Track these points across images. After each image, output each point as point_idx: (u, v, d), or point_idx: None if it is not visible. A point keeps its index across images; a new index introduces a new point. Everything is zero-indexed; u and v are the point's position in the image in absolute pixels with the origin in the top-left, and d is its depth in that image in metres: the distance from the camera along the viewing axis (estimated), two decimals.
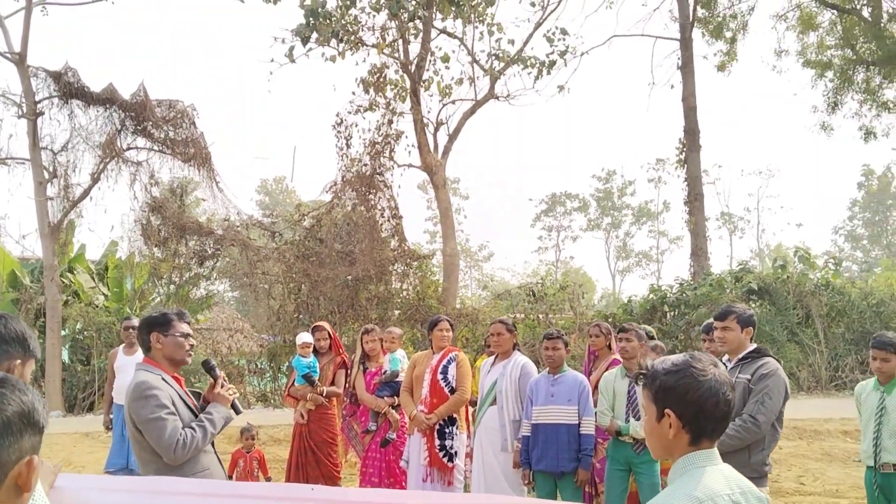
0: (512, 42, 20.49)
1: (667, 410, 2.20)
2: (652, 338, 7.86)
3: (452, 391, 6.99)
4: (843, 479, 9.97)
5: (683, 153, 21.93)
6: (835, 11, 23.80)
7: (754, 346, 5.22)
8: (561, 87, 20.98)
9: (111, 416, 9.10)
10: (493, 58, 20.35)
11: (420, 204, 65.41)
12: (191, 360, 4.27)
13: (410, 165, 20.20)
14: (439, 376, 7.02)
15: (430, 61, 20.06)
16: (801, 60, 25.37)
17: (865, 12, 23.04)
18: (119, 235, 21.19)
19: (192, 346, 4.24)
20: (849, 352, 17.92)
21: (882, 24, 22.24)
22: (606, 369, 7.22)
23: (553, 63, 20.04)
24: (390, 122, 19.54)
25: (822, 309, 18.30)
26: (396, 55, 20.14)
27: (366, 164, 19.74)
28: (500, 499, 4.49)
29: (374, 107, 20.02)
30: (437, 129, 20.38)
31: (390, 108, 19.60)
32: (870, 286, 20.18)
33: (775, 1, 34.67)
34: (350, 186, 19.50)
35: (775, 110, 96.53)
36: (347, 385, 8.13)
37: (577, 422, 6.37)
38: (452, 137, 20.50)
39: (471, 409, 7.66)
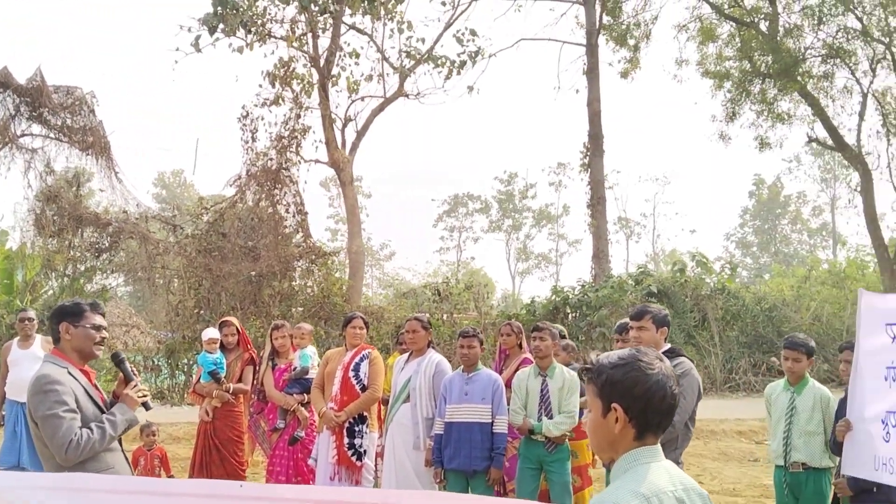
0: (422, 41, 20.51)
1: (614, 405, 2.18)
2: (564, 337, 7.92)
3: (364, 389, 6.89)
4: (739, 477, 10.29)
5: (587, 157, 22.32)
6: (734, 24, 24.60)
7: (668, 345, 5.30)
8: (470, 88, 21.11)
9: (3, 413, 8.66)
10: (404, 55, 20.30)
11: (322, 202, 64.83)
12: (101, 353, 4.07)
13: (317, 161, 19.95)
14: (351, 373, 6.90)
15: (339, 57, 19.84)
16: (700, 71, 26.15)
17: (763, 26, 23.89)
18: (10, 225, 20.26)
19: (103, 338, 4.04)
20: (742, 354, 18.55)
21: (778, 38, 23.09)
22: (517, 368, 7.25)
23: (463, 63, 20.12)
24: (298, 116, 19.24)
25: (718, 312, 18.89)
26: (305, 49, 19.85)
27: (272, 159, 19.39)
28: (439, 496, 4.40)
29: (280, 101, 19.68)
30: (345, 126, 20.20)
31: (298, 102, 19.29)
32: (763, 291, 20.96)
33: (678, 12, 35.57)
34: (255, 180, 19.13)
35: (675, 118, 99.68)
36: (255, 382, 7.93)
37: (490, 420, 6.36)
38: (360, 134, 20.35)
39: (383, 408, 7.58)
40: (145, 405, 4.06)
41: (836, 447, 5.31)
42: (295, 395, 7.58)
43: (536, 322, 6.95)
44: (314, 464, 7.02)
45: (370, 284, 65.53)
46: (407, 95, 20.23)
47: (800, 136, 26.21)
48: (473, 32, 20.67)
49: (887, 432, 4.70)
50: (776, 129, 24.45)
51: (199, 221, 19.41)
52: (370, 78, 20.38)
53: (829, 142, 24.08)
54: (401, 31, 20.41)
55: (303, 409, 7.54)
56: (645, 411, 2.17)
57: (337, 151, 19.71)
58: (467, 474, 6.32)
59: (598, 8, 23.58)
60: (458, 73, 20.08)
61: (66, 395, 3.71)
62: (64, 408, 3.67)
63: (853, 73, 23.45)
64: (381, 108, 20.42)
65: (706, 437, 13.22)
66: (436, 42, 20.53)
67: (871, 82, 23.09)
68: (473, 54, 20.29)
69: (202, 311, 17.81)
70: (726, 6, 24.62)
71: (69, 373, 3.84)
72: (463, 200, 75.26)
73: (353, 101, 20.31)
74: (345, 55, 20.13)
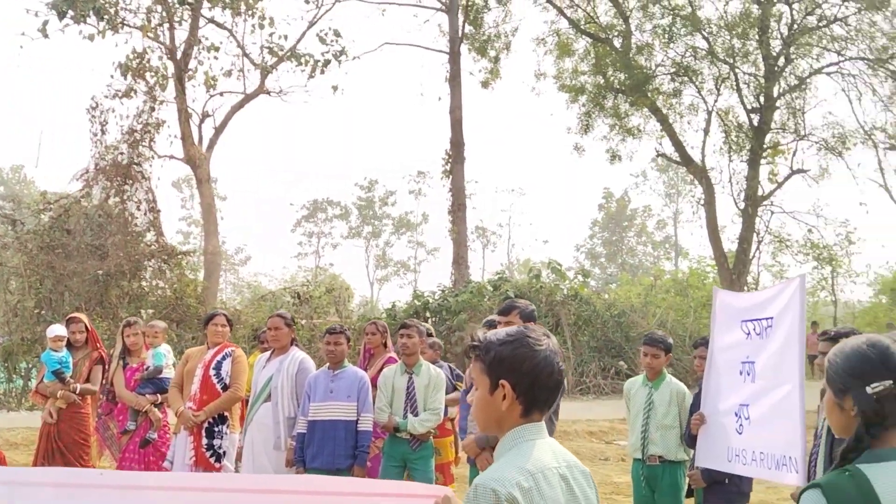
0: (285, 38, 20.12)
1: (501, 381, 2.15)
2: (430, 335, 7.92)
3: (226, 388, 6.64)
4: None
5: (449, 164, 22.51)
6: (589, 40, 25.41)
7: None
8: (335, 88, 20.87)
9: None
10: (266, 52, 19.86)
11: (174, 203, 62.72)
12: None
13: (172, 157, 19.22)
14: (212, 372, 6.65)
15: (197, 50, 19.20)
16: (557, 84, 26.87)
17: (617, 43, 24.79)
18: None
19: None
20: (592, 358, 19.13)
21: (631, 55, 24.02)
22: (382, 367, 7.19)
23: (328, 62, 19.88)
24: (152, 109, 18.48)
25: (571, 318, 19.42)
26: (161, 40, 19.11)
27: (122, 153, 18.53)
28: (319, 479, 4.23)
29: (133, 93, 18.86)
30: (202, 121, 19.55)
31: (152, 95, 18.53)
32: (612, 298, 21.71)
33: (537, 25, 36.50)
34: (104, 175, 18.21)
35: (533, 130, 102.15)
36: (105, 382, 7.51)
37: (355, 418, 6.26)
38: (218, 131, 19.76)
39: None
40: None
41: (690, 440, 5.50)
42: (147, 395, 7.24)
43: (404, 320, 6.89)
44: (170, 466, 6.71)
45: (223, 290, 63.87)
46: (269, 93, 19.81)
47: (649, 150, 27.73)
48: (337, 33, 20.48)
49: (740, 424, 4.90)
50: (627, 142, 25.42)
51: (41, 217, 18.30)
52: (230, 73, 19.85)
53: (676, 157, 25.23)
54: (262, 27, 19.97)
55: (155, 409, 7.21)
56: (532, 388, 2.16)
57: (193, 148, 19.04)
58: (330, 473, 6.18)
59: (461, 17, 23.84)
60: (322, 71, 19.83)
61: None
62: None
63: (699, 92, 24.64)
64: (240, 105, 19.89)
65: (559, 437, 13.25)
66: (299, 40, 20.23)
67: (716, 101, 24.33)
68: (338, 53, 20.10)
69: (43, 312, 16.78)
70: (583, 22, 25.39)
71: None
72: (322, 206, 74.65)
73: (211, 97, 19.72)
74: (203, 49, 19.50)
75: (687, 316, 21.09)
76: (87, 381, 7.46)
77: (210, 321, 6.91)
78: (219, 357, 6.71)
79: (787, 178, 24.10)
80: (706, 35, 23.42)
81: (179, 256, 18.64)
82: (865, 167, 50.24)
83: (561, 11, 25.37)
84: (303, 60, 19.73)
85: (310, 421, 6.28)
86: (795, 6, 23.34)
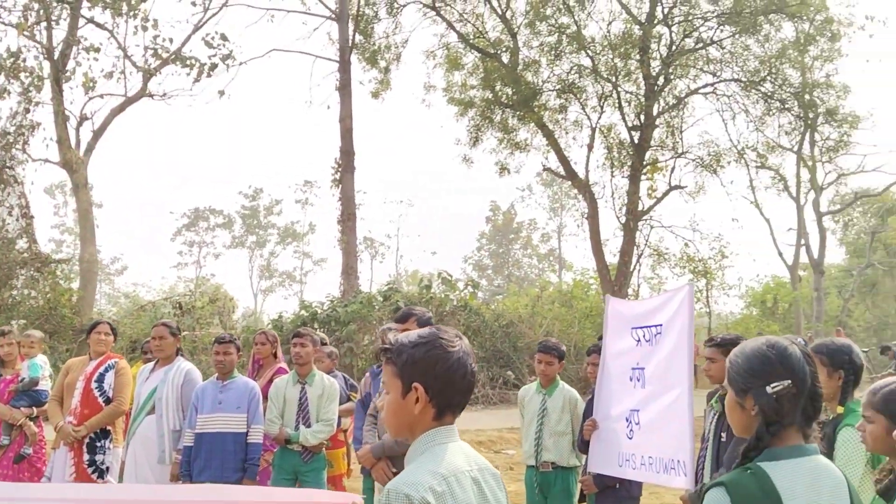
0: (170, 41, 19.56)
1: (414, 384, 2.12)
2: (325, 344, 7.82)
3: (108, 401, 6.37)
4: None
5: (339, 173, 22.35)
6: (478, 54, 25.74)
7: None
8: (221, 93, 20.36)
9: None
10: (150, 54, 19.25)
11: (46, 210, 60.11)
12: None
13: (47, 161, 18.36)
14: (94, 384, 6.37)
15: (76, 51, 18.44)
16: (446, 97, 27.11)
17: (505, 58, 25.19)
18: None
19: None
20: (482, 368, 19.29)
21: (518, 71, 24.45)
22: (272, 378, 7.06)
23: (215, 66, 19.43)
24: (27, 111, 17.63)
25: (460, 328, 19.54)
26: (38, 39, 18.27)
27: None
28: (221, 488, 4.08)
29: (5, 94, 17.95)
30: (80, 124, 18.76)
31: (27, 96, 17.68)
32: (500, 309, 21.99)
33: (428, 38, 36.76)
34: None
35: (423, 142, 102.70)
36: None
37: (245, 430, 6.10)
38: (97, 135, 18.99)
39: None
40: None
41: (583, 445, 5.60)
42: (23, 408, 6.87)
43: (297, 329, 6.77)
44: (48, 482, 6.37)
45: (98, 301, 61.46)
46: (152, 96, 19.17)
47: (536, 164, 28.30)
48: (224, 37, 20.06)
49: (630, 430, 5.02)
50: (515, 156, 25.86)
51: None
52: (111, 75, 19.15)
53: (562, 171, 25.80)
54: (145, 28, 19.34)
55: (31, 423, 6.85)
56: (445, 390, 2.14)
57: (70, 151, 18.23)
58: None
59: (351, 26, 23.76)
60: (209, 75, 19.35)
61: None
62: None
63: (584, 109, 25.34)
64: (121, 109, 19.20)
65: None
66: (184, 43, 19.68)
67: (599, 118, 25.04)
68: (225, 57, 19.66)
69: None
70: (472, 36, 25.70)
71: None
72: (204, 214, 72.85)
73: (90, 99, 18.94)
74: (81, 49, 18.74)
75: (572, 326, 21.57)
76: None
77: (93, 330, 6.64)
78: (101, 369, 6.44)
79: (665, 194, 25.00)
80: (590, 54, 24.07)
81: (53, 265, 17.81)
82: (738, 184, 52.94)
83: (451, 25, 25.63)
84: (188, 64, 19.20)
85: (197, 433, 6.07)
86: (674, 28, 24.26)
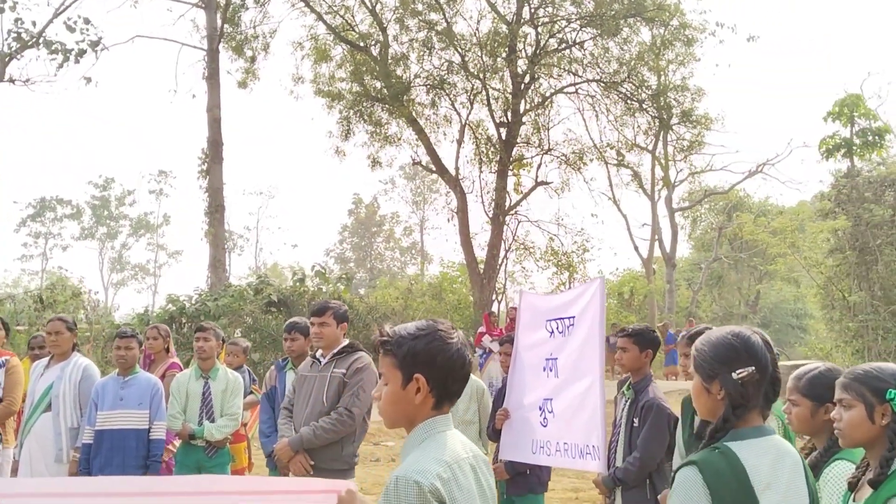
0: (34, 23, 18.53)
1: (416, 375, 2.20)
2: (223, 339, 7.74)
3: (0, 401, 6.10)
4: (364, 477, 10.73)
5: (206, 164, 21.81)
6: (347, 46, 25.62)
7: (347, 340, 5.41)
8: (88, 79, 19.47)
9: None
10: (13, 37, 18.16)
11: None
12: None
13: None
14: None
15: None
16: (314, 89, 26.85)
17: (374, 52, 25.19)
18: None
19: None
20: None
21: (389, 65, 24.51)
22: (164, 373, 6.96)
23: (83, 52, 18.54)
24: None
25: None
26: None
27: None
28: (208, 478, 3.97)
29: None
30: None
31: None
32: (373, 301, 22.05)
33: (297, 29, 36.06)
34: None
35: (288, 133, 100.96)
36: None
37: (147, 426, 5.98)
38: None
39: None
40: None
41: (494, 434, 5.79)
42: None
43: (200, 323, 6.67)
44: None
45: None
46: (13, 81, 18.11)
47: (406, 157, 28.45)
48: (87, 21, 19.18)
49: (544, 418, 5.24)
50: (386, 149, 25.95)
51: None
52: None
53: (431, 166, 26.08)
54: (1, 10, 18.26)
55: None
56: (445, 380, 2.23)
57: None
58: None
59: (219, 15, 23.18)
60: (77, 61, 18.45)
61: None
62: None
63: (453, 104, 25.71)
64: None
65: None
66: (46, 27, 18.68)
67: (469, 114, 25.45)
68: (94, 43, 18.80)
69: None
70: (341, 29, 25.55)
71: None
72: (51, 204, 69.34)
73: None
74: None
75: (445, 317, 21.86)
76: None
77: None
78: None
79: (531, 190, 25.70)
80: (460, 51, 24.43)
81: None
82: (599, 181, 54.94)
83: (320, 17, 25.40)
84: (54, 49, 18.26)
85: (97, 430, 5.91)
86: (540, 28, 24.94)
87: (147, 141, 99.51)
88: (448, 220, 25.27)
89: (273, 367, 6.53)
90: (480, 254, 25.56)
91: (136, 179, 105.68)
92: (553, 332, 5.32)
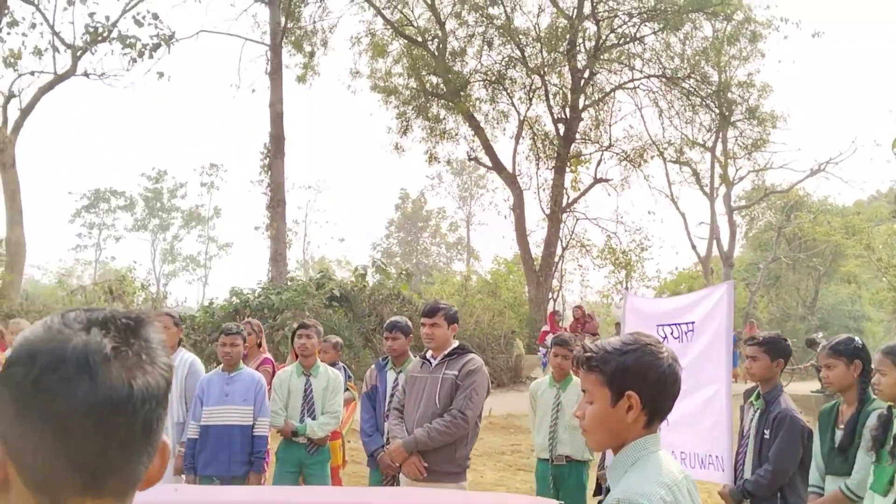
0: (108, 18, 18.75)
1: (628, 392, 2.10)
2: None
3: None
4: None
5: (268, 158, 21.96)
6: (405, 41, 25.59)
7: (457, 342, 5.37)
8: (161, 74, 19.68)
9: None
10: (88, 31, 18.40)
11: None
12: None
13: None
14: None
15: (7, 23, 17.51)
16: (370, 84, 26.90)
17: (433, 47, 25.14)
18: None
19: None
20: (416, 356, 19.28)
21: (447, 61, 24.44)
22: (257, 368, 6.98)
23: (157, 46, 18.75)
24: None
25: (393, 316, 19.47)
26: None
27: None
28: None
29: None
30: (7, 102, 17.85)
31: None
32: (432, 297, 22.03)
33: (356, 25, 35.95)
34: None
35: (335, 128, 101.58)
36: None
37: (251, 423, 6.00)
38: (25, 113, 18.11)
39: None
40: None
41: None
42: None
43: (302, 320, 6.68)
44: None
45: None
46: (87, 75, 18.37)
47: (462, 154, 28.36)
48: (156, 16, 19.39)
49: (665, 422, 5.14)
50: (442, 145, 25.93)
51: None
52: (40, 52, 18.25)
53: (488, 162, 25.99)
54: (72, 3, 18.48)
55: None
56: (658, 398, 2.13)
57: None
58: (224, 480, 5.90)
59: (283, 10, 23.30)
60: (151, 56, 18.66)
61: None
62: None
63: (511, 100, 25.59)
64: (49, 87, 18.36)
65: None
66: (117, 21, 18.87)
67: (528, 110, 25.32)
68: (168, 38, 18.99)
69: None
70: (400, 25, 25.53)
71: None
72: (105, 196, 70.46)
73: (20, 76, 18.02)
74: (5, 24, 17.79)
75: (500, 315, 21.79)
76: None
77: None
78: None
79: (590, 187, 25.52)
80: (521, 46, 24.28)
81: None
82: (658, 179, 54.44)
83: (379, 11, 25.41)
84: (129, 44, 18.48)
85: (202, 426, 5.95)
86: (601, 24, 24.69)
87: (200, 135, 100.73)
88: (504, 217, 25.15)
89: (373, 366, 6.52)
90: (534, 251, 25.45)
91: (187, 172, 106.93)
92: (666, 336, 5.22)
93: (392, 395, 5.98)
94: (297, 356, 6.57)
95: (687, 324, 5.07)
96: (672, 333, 5.18)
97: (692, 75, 24.91)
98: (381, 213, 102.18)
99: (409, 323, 6.45)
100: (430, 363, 5.33)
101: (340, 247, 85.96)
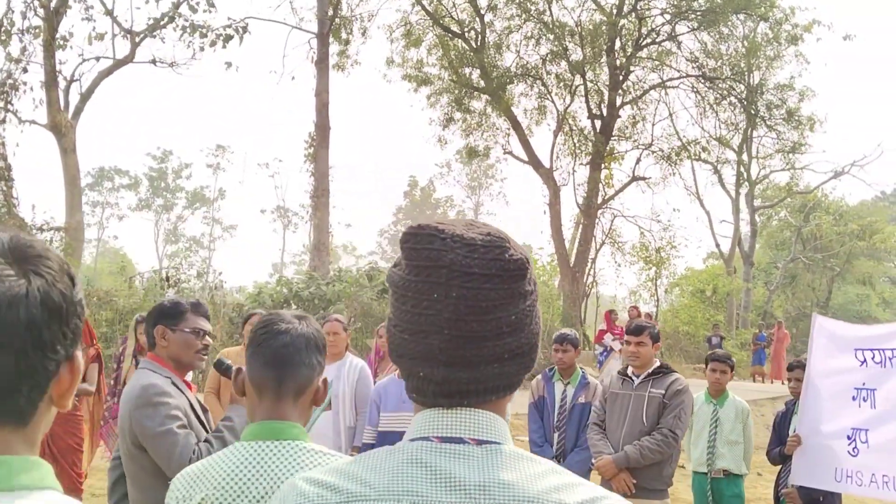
0: (175, 5, 18.66)
1: None
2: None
3: None
4: None
5: (312, 148, 21.96)
6: (441, 31, 25.46)
7: (659, 362, 5.50)
8: (229, 64, 19.62)
9: None
10: (150, 19, 18.31)
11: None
12: (203, 363, 3.35)
13: (34, 122, 17.36)
14: None
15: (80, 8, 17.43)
16: (402, 73, 26.81)
17: (472, 39, 25.07)
18: None
19: (206, 346, 3.31)
20: None
21: (486, 54, 24.39)
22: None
23: (230, 37, 18.68)
24: (24, 69, 16.58)
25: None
26: None
27: None
28: None
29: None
30: (68, 86, 17.80)
31: (25, 52, 16.65)
32: None
33: (395, 14, 35.57)
34: None
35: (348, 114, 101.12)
36: (113, 382, 6.87)
37: None
38: (85, 98, 18.07)
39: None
40: None
41: (780, 458, 5.87)
42: None
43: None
44: None
45: None
46: (154, 62, 18.32)
47: (496, 148, 28.40)
48: (210, 3, 19.27)
49: (854, 448, 5.26)
50: (484, 138, 25.98)
51: None
52: (101, 37, 18.20)
53: (524, 157, 26.02)
54: None
55: None
56: None
57: (59, 114, 17.30)
58: None
59: None
60: (224, 46, 18.60)
61: (177, 409, 3.06)
62: (178, 423, 3.04)
63: (550, 95, 25.60)
64: (109, 72, 18.31)
65: None
66: (178, 7, 18.74)
67: (568, 105, 25.34)
68: (244, 29, 18.93)
69: None
70: (439, 16, 25.45)
71: (173, 383, 3.16)
72: (109, 174, 70.18)
73: (84, 60, 17.96)
74: (69, 9, 17.69)
75: (547, 312, 21.90)
76: (84, 381, 6.77)
77: (248, 321, 6.46)
78: None
79: (627, 184, 25.63)
80: (562, 42, 24.27)
81: (35, 232, 16.90)
82: (688, 179, 54.68)
83: (418, 1, 25.31)
84: (202, 33, 18.41)
85: (380, 431, 6.00)
86: (642, 21, 24.74)
87: (206, 117, 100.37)
88: (544, 213, 25.16)
89: (539, 377, 6.61)
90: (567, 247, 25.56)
91: (194, 153, 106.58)
92: (865, 361, 5.33)
93: (561, 407, 6.09)
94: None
95: (891, 349, 5.20)
96: (873, 358, 5.29)
97: (732, 76, 24.97)
98: (389, 200, 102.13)
99: (577, 335, 6.52)
100: (633, 380, 5.44)
101: (347, 232, 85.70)
